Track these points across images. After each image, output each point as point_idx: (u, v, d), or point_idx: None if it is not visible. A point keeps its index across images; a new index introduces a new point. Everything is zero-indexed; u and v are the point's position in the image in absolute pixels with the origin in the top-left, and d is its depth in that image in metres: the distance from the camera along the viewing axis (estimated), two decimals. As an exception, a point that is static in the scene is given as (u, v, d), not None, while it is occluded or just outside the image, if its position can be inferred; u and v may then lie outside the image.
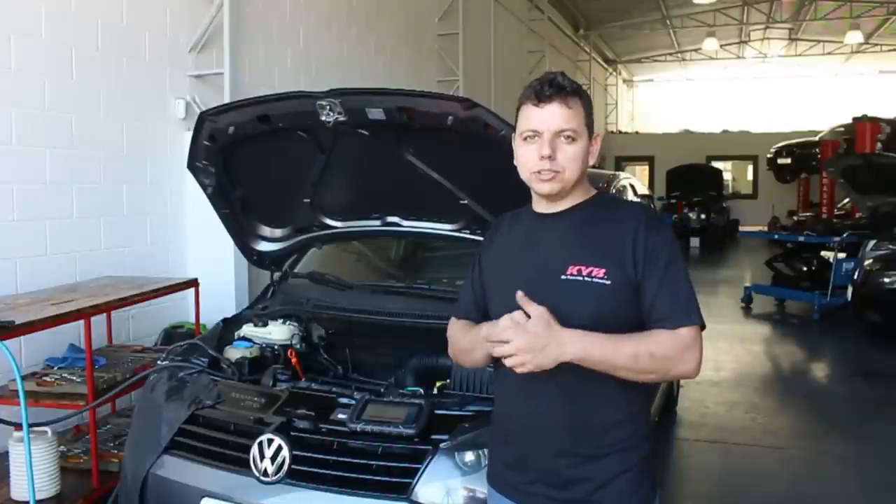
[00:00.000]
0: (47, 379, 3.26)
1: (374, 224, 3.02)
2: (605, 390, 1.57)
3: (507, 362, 1.50)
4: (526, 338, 1.47)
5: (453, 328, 1.82)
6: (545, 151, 1.56)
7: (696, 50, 23.68)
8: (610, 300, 1.54)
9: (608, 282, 1.54)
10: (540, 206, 1.68)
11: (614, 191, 3.90)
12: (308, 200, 2.95)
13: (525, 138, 1.60)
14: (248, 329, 2.84)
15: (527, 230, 1.70)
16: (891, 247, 7.28)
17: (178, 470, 2.30)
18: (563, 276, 1.56)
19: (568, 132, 1.57)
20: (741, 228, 15.78)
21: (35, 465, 2.82)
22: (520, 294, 1.52)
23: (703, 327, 1.57)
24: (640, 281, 1.55)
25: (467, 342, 1.73)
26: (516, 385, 1.63)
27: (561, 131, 1.56)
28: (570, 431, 1.59)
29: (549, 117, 1.56)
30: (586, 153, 1.61)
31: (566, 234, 1.62)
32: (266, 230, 3.14)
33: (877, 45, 22.56)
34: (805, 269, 9.13)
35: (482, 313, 1.74)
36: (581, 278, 1.55)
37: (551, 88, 1.57)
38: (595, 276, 1.55)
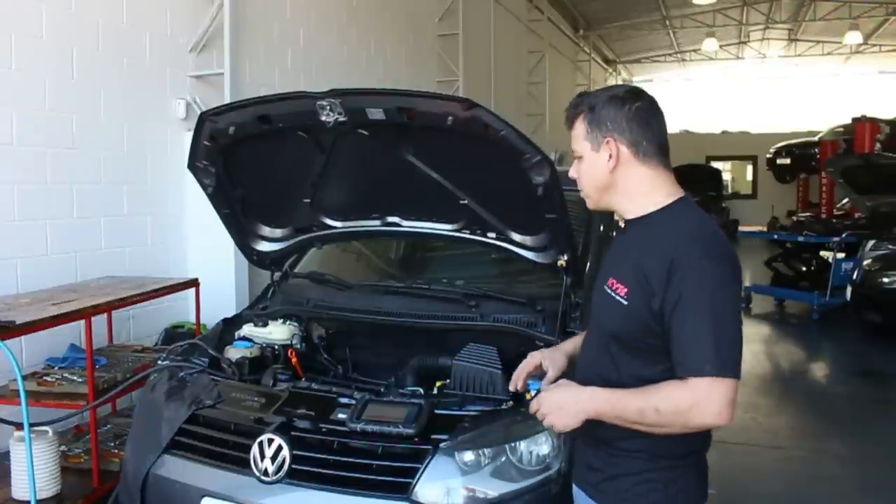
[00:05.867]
0: (48, 379, 3.27)
1: (374, 224, 3.01)
2: None
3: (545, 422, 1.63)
4: (549, 400, 1.62)
5: None
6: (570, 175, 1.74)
7: (695, 50, 23.63)
8: (626, 320, 1.58)
9: (625, 302, 1.57)
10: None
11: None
12: (308, 200, 2.94)
13: None
14: (248, 329, 2.84)
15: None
16: (890, 247, 7.29)
17: (179, 470, 2.30)
18: (604, 287, 1.65)
19: (576, 152, 1.70)
20: (741, 228, 15.74)
21: (36, 464, 2.83)
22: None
23: (726, 376, 1.47)
24: (664, 316, 1.50)
25: None
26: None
27: (574, 154, 1.71)
28: (596, 430, 1.64)
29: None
30: (595, 166, 1.66)
31: (626, 244, 1.69)
32: (266, 230, 3.13)
33: (876, 45, 22.55)
34: (804, 269, 9.15)
35: None
36: (611, 292, 1.62)
37: (567, 119, 1.71)
38: (618, 293, 1.59)
